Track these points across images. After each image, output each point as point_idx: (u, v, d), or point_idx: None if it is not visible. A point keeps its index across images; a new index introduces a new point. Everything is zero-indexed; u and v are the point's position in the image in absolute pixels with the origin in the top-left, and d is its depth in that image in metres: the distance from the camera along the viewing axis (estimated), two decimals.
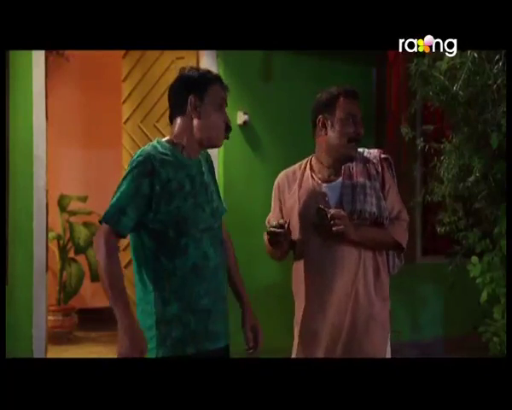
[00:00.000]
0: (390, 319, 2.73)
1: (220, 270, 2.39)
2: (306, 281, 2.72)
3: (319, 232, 2.63)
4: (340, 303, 2.63)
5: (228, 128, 2.45)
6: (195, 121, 2.37)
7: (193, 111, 2.36)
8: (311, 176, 2.75)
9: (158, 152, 2.32)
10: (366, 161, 2.72)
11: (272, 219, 2.79)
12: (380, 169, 2.71)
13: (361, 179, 2.66)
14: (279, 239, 2.63)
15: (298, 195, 2.75)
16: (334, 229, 2.56)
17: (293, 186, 2.78)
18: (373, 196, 2.64)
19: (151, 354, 2.27)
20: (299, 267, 2.75)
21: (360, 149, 2.76)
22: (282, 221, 2.64)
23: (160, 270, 2.28)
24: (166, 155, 2.33)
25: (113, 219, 2.27)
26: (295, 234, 2.73)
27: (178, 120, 2.40)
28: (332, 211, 2.57)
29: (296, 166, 2.84)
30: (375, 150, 2.79)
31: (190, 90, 2.37)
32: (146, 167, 2.26)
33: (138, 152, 2.34)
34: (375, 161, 2.72)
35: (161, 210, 2.26)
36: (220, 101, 2.41)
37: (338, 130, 2.65)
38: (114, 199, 2.30)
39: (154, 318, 2.28)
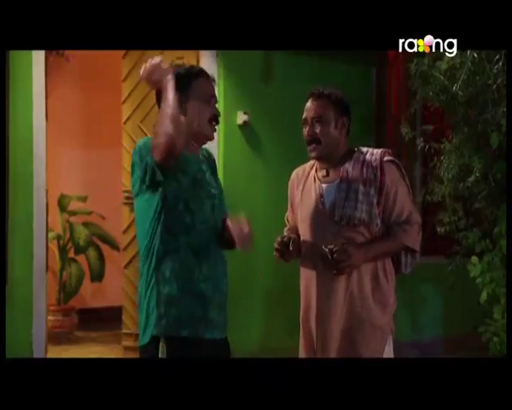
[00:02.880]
0: (393, 323, 2.68)
1: (219, 262, 2.43)
2: (303, 282, 2.73)
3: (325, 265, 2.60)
4: (334, 307, 2.61)
5: (215, 119, 2.47)
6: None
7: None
8: (315, 176, 2.74)
9: None
10: (365, 163, 2.64)
11: (286, 230, 2.84)
12: (378, 174, 2.61)
13: (355, 184, 2.61)
14: (284, 257, 2.67)
15: (301, 194, 2.76)
16: (335, 272, 2.56)
17: (300, 184, 2.79)
18: (364, 202, 2.59)
19: (148, 332, 2.31)
20: (302, 267, 2.76)
21: (364, 149, 2.71)
22: (286, 239, 2.66)
23: (165, 245, 2.33)
24: None
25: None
26: (300, 232, 2.75)
27: None
28: (335, 250, 2.52)
29: (308, 164, 2.83)
30: (379, 152, 2.68)
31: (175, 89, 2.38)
32: (146, 149, 2.31)
33: (137, 143, 2.40)
34: (374, 164, 2.63)
35: (168, 189, 2.32)
36: (205, 94, 2.45)
37: None
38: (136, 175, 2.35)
39: (155, 298, 2.32)
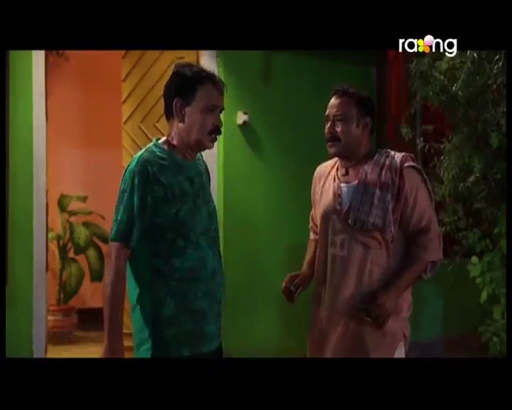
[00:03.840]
0: (405, 327, 2.64)
1: (217, 273, 2.38)
2: (316, 282, 2.72)
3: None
4: (343, 310, 2.59)
5: (217, 130, 2.36)
6: (180, 124, 2.33)
7: (177, 114, 2.32)
8: (335, 174, 2.71)
9: (155, 157, 2.29)
10: (385, 167, 2.59)
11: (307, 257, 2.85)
12: (397, 179, 2.56)
13: (372, 188, 2.56)
14: (288, 299, 2.73)
15: (321, 191, 2.74)
16: (378, 325, 2.54)
17: (321, 182, 2.76)
18: (379, 207, 2.54)
19: (146, 354, 2.26)
20: (316, 266, 2.74)
21: (387, 151, 2.66)
22: (292, 288, 2.69)
23: (157, 272, 2.27)
24: (164, 159, 2.30)
25: (124, 234, 2.23)
26: (319, 228, 2.74)
27: (170, 122, 2.38)
28: (370, 309, 2.51)
29: (331, 161, 2.79)
30: (400, 156, 2.62)
31: (177, 93, 2.32)
32: (144, 176, 2.24)
33: (135, 159, 2.29)
34: (394, 169, 2.57)
35: (161, 214, 2.26)
36: (209, 103, 2.32)
37: None
38: (120, 214, 2.25)
39: (150, 319, 2.27)
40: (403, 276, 2.58)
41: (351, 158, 2.65)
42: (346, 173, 2.67)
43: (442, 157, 4.16)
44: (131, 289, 2.34)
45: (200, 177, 2.40)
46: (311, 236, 2.89)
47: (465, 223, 4.23)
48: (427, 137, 4.39)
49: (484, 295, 3.98)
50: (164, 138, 2.40)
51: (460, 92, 3.81)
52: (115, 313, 2.21)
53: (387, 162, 2.60)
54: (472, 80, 3.77)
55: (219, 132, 2.38)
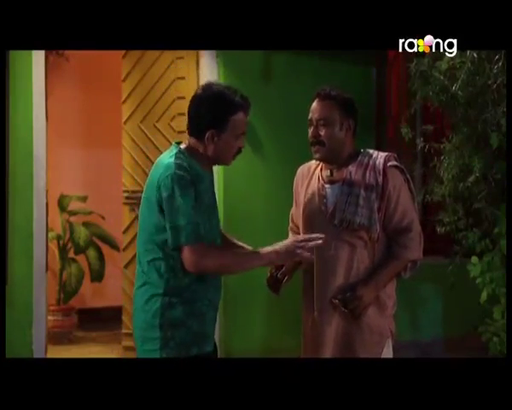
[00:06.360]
0: (391, 324, 2.68)
1: (220, 278, 2.44)
2: (304, 283, 2.73)
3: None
4: (331, 308, 2.60)
5: (240, 151, 2.44)
6: (210, 148, 2.36)
7: (209, 143, 2.36)
8: (319, 175, 2.72)
9: (186, 163, 2.31)
10: (369, 167, 2.61)
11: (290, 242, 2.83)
12: (381, 179, 2.58)
13: (357, 188, 2.58)
14: (272, 289, 2.72)
15: (305, 192, 2.74)
16: (354, 317, 2.56)
17: (305, 182, 2.77)
18: (364, 207, 2.56)
19: (154, 354, 2.28)
20: (303, 268, 2.76)
21: (369, 152, 2.67)
22: (280, 276, 2.67)
23: (173, 279, 2.29)
24: (191, 167, 2.32)
25: (194, 235, 2.24)
26: (301, 231, 2.75)
27: (195, 140, 2.39)
28: (347, 299, 2.54)
29: (314, 161, 2.79)
30: (383, 156, 2.64)
31: (210, 125, 2.34)
32: (187, 179, 2.26)
33: (171, 165, 2.28)
34: (378, 168, 2.59)
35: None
36: (239, 131, 2.38)
37: None
38: (181, 219, 2.23)
39: (158, 320, 2.29)
40: (383, 272, 2.61)
41: (335, 161, 2.66)
42: (331, 174, 2.68)
43: (442, 157, 4.15)
44: (142, 289, 2.35)
45: (213, 187, 2.45)
46: (290, 235, 2.89)
47: (465, 223, 4.22)
48: (427, 137, 4.39)
49: (484, 295, 3.97)
50: (184, 146, 2.40)
51: (460, 92, 3.81)
52: (248, 261, 2.40)
53: (371, 162, 2.63)
54: (472, 80, 3.77)
55: (241, 152, 2.44)
